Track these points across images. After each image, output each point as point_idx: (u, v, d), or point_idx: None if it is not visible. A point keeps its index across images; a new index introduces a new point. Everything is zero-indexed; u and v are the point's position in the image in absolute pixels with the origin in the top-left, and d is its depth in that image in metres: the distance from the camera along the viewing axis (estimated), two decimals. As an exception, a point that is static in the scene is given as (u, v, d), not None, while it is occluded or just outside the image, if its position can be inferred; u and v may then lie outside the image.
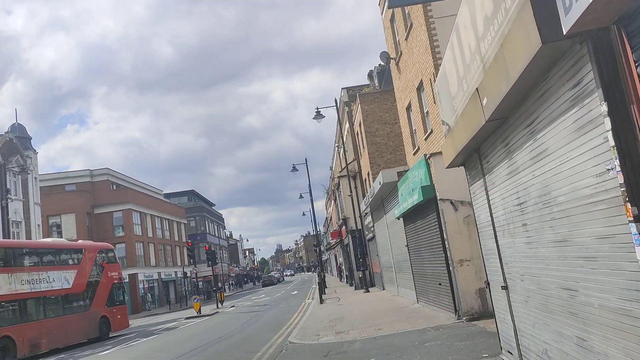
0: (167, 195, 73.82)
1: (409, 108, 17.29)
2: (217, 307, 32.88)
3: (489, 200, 6.58)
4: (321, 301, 24.99)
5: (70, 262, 23.20)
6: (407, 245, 17.72)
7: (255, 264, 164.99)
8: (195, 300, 29.38)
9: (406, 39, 15.61)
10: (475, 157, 6.98)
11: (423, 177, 13.43)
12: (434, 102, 13.42)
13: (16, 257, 20.37)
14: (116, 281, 25.69)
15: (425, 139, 15.12)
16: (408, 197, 14.93)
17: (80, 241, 29.59)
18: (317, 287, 26.64)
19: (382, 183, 18.47)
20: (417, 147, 16.65)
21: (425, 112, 15.06)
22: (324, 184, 58.95)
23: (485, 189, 6.70)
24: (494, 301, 7.12)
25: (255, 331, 17.64)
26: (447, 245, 12.65)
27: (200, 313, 28.80)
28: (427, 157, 13.14)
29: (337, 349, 11.06)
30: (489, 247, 6.85)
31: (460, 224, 12.54)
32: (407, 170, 16.38)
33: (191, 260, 33.81)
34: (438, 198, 12.75)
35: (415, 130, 16.88)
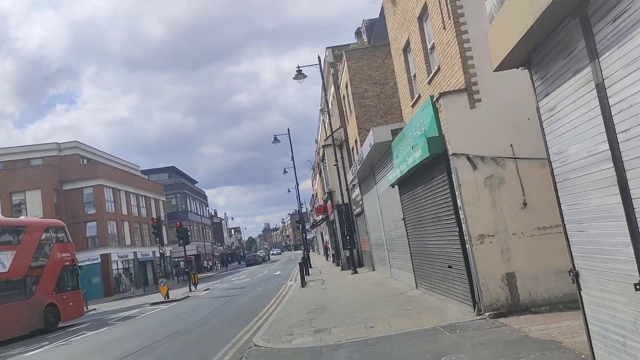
0: (146, 172, 69.93)
1: (406, 48, 13.91)
2: (190, 291, 29.70)
3: (608, 105, 3.23)
4: (303, 284, 21.87)
5: (8, 241, 19.74)
6: (404, 219, 14.54)
7: (242, 243, 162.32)
8: (161, 284, 26.12)
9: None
10: (569, 27, 3.63)
11: (429, 126, 10.15)
12: (443, 28, 10.07)
13: None
14: (68, 263, 22.21)
15: (429, 82, 11.80)
16: (407, 157, 11.67)
17: (22, 217, 26.04)
18: (299, 268, 23.46)
19: (373, 144, 15.18)
20: (417, 96, 13.32)
21: (429, 46, 11.70)
22: (311, 160, 55.58)
23: (601, 83, 3.36)
24: (588, 308, 3.90)
25: (219, 324, 14.47)
26: (461, 217, 9.47)
27: (167, 298, 25.59)
28: (434, 98, 9.85)
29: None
30: (593, 208, 3.55)
31: (480, 188, 9.33)
32: (404, 127, 13.08)
33: (157, 239, 30.42)
34: (450, 153, 9.50)
35: (414, 75, 13.54)
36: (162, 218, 61.42)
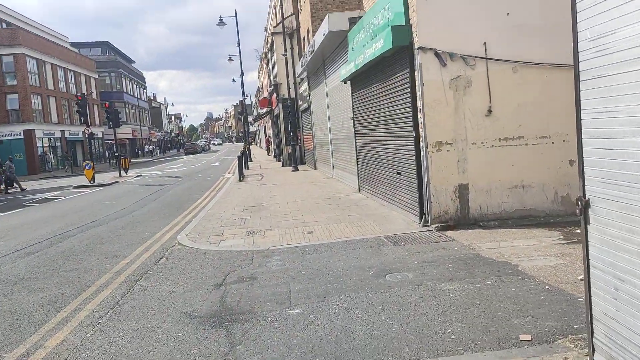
0: (77, 45, 64.04)
1: None
2: (120, 176, 28.14)
3: None
4: (240, 178, 20.92)
5: None
6: (354, 118, 13.49)
7: (182, 131, 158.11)
8: (87, 167, 24.33)
9: None
10: None
11: (395, 14, 8.76)
12: None
13: None
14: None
15: (400, -38, 10.18)
16: (365, 49, 10.34)
17: None
18: (238, 160, 22.35)
19: (327, 32, 13.59)
20: (383, -21, 11.68)
21: None
22: (259, 50, 52.23)
23: None
24: (595, 248, 3.03)
25: (145, 215, 13.38)
26: (420, 120, 8.48)
27: (93, 182, 23.99)
28: (406, -21, 8.37)
29: (241, 267, 7.04)
30: (636, 118, 2.52)
31: (445, 89, 8.28)
32: (363, 16, 11.53)
33: (82, 119, 27.98)
34: (416, 46, 8.27)
35: (383, -47, 11.76)
36: (94, 97, 57.41)
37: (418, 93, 8.39)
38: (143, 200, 16.83)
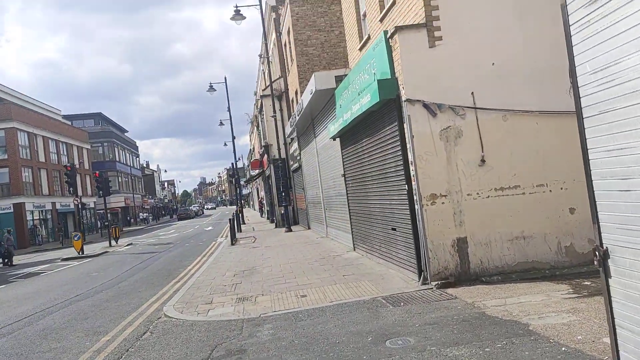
0: (70, 118, 64.69)
1: (357, -18, 12.29)
2: (110, 246, 27.49)
3: None
4: (233, 242, 20.40)
5: None
6: (344, 175, 13.26)
7: (175, 196, 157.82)
8: (75, 238, 23.76)
9: None
10: None
11: (380, 68, 8.71)
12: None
13: None
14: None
15: (382, 19, 10.30)
16: (353, 104, 10.24)
17: None
18: (230, 224, 21.89)
19: (314, 91, 13.61)
20: (366, 37, 11.81)
21: (384, -23, 10.14)
22: (250, 113, 52.98)
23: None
24: (618, 303, 2.65)
25: (132, 286, 12.79)
26: (412, 173, 8.22)
27: (82, 253, 23.33)
28: (388, 34, 8.36)
29: (230, 339, 6.50)
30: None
31: (436, 140, 8.08)
32: (349, 73, 11.55)
33: (70, 190, 27.67)
34: (404, 99, 8.14)
35: (364, 13, 11.98)
36: (86, 167, 57.39)
37: (408, 145, 8.18)
38: (132, 270, 16.22)
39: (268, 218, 35.91)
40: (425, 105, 8.03)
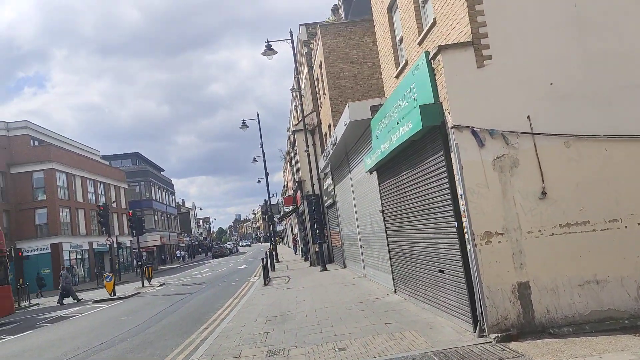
0: (108, 158, 66.18)
1: (392, 7, 11.66)
2: (142, 286, 27.00)
3: None
4: (266, 282, 19.53)
5: None
6: (383, 211, 12.33)
7: (211, 234, 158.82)
8: (107, 279, 23.33)
9: None
10: None
11: (421, 92, 7.90)
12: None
13: None
14: (-6, 255, 19.34)
15: (421, 42, 9.56)
16: (391, 134, 9.43)
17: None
18: (262, 263, 21.06)
19: (348, 122, 12.89)
20: (403, 63, 11.08)
21: (422, -3, 9.45)
22: (283, 149, 52.89)
23: None
24: None
25: (158, 333, 12.02)
26: (462, 209, 7.26)
27: (113, 295, 22.86)
28: (430, 55, 7.59)
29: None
30: None
31: (487, 171, 7.14)
32: (385, 102, 10.77)
33: (103, 229, 27.54)
34: (450, 125, 7.27)
35: (401, 38, 11.29)
36: (123, 206, 58.06)
37: (457, 177, 7.26)
38: (161, 314, 15.51)
39: (302, 256, 34.97)
40: (475, 133, 7.14)
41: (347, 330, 8.80)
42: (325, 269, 21.92)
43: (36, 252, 41.41)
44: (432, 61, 7.56)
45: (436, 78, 7.54)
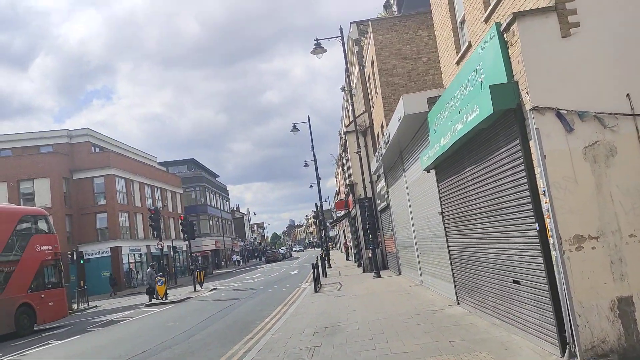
0: (165, 164, 67.81)
1: (452, -15, 10.51)
2: (194, 290, 26.77)
3: None
4: (316, 289, 18.62)
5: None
6: (442, 213, 11.12)
7: (265, 239, 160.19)
8: (159, 283, 23.14)
9: None
10: None
11: (490, 72, 6.73)
12: None
13: None
14: (49, 258, 19.48)
15: (487, 20, 8.38)
16: (453, 124, 8.28)
17: None
18: (313, 269, 20.18)
19: (403, 116, 11.78)
20: (466, 45, 9.89)
21: (488, -33, 8.27)
22: (335, 154, 52.00)
23: None
24: None
25: (203, 341, 11.34)
26: (545, 207, 6.03)
27: (164, 299, 22.64)
28: (503, 26, 6.42)
29: None
30: None
31: (578, 162, 5.88)
32: (444, 92, 9.59)
33: (154, 233, 27.54)
34: (528, 107, 6.07)
35: (463, 18, 10.11)
36: (179, 211, 59.03)
37: (538, 170, 6.04)
38: (208, 320, 14.91)
39: (355, 261, 33.88)
40: (560, 115, 5.91)
41: (404, 348, 7.70)
42: (379, 276, 20.77)
43: (97, 255, 42.47)
44: (504, 33, 6.40)
45: (510, 53, 6.36)
